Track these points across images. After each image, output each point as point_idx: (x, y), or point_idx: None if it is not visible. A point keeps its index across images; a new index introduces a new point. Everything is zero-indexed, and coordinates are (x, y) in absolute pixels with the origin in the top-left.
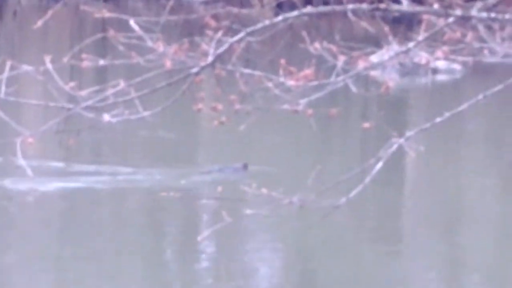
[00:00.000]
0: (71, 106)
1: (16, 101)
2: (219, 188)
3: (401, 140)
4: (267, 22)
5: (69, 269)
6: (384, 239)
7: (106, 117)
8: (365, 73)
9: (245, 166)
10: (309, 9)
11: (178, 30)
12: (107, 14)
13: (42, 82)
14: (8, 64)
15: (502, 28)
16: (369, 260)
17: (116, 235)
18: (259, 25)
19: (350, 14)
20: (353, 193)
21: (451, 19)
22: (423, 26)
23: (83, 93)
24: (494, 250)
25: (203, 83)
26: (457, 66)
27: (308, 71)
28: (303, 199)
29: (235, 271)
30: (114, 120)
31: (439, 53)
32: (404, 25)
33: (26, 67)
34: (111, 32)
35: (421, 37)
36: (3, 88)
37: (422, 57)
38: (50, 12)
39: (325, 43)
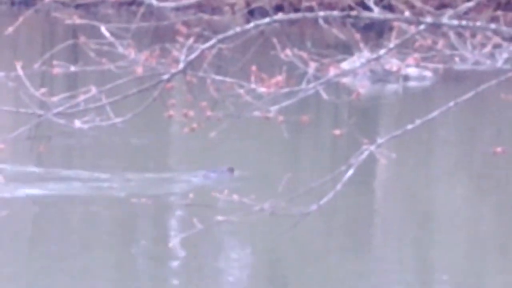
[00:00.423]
0: (42, 112)
1: None
2: (190, 195)
3: (372, 147)
4: (238, 29)
5: (39, 275)
6: (355, 245)
7: (77, 123)
8: (336, 80)
9: (230, 170)
10: (280, 16)
11: (149, 36)
12: (78, 20)
13: (13, 88)
14: None
15: (473, 36)
16: (340, 267)
17: (87, 241)
18: (230, 32)
19: (321, 22)
20: (324, 200)
21: (422, 27)
22: (394, 34)
23: (54, 99)
24: (464, 255)
25: (174, 89)
26: (428, 73)
27: (279, 78)
28: (274, 206)
29: (206, 278)
30: (85, 126)
31: (410, 60)
32: (375, 32)
33: None
34: (82, 39)
35: (392, 44)
36: None
37: (393, 64)
38: (21, 19)
39: (296, 50)
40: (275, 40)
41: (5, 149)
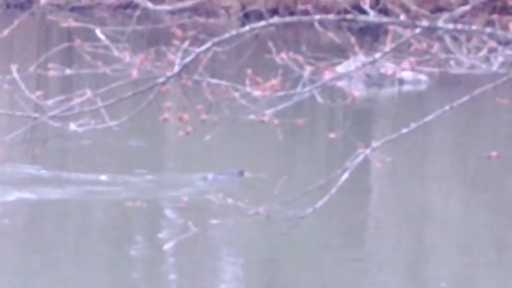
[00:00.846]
0: (37, 115)
1: None
2: (185, 198)
3: (367, 151)
4: (233, 32)
5: (34, 278)
6: (350, 249)
7: (73, 126)
8: (332, 83)
9: (241, 173)
10: (275, 19)
11: (144, 39)
12: (73, 23)
13: (8, 91)
14: None
15: (468, 40)
16: (335, 271)
17: (82, 244)
18: (226, 35)
19: (316, 25)
20: (319, 203)
21: (417, 30)
22: (389, 37)
23: (50, 102)
24: (459, 257)
25: (169, 93)
26: (423, 77)
27: (274, 82)
28: (269, 209)
29: (200, 281)
30: (80, 129)
31: (405, 64)
32: (371, 35)
33: None
34: (77, 42)
35: (387, 48)
36: None
37: (388, 68)
38: (16, 22)
39: (291, 54)
40: (270, 44)
41: (0, 152)
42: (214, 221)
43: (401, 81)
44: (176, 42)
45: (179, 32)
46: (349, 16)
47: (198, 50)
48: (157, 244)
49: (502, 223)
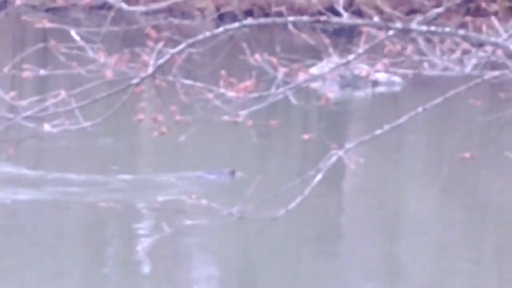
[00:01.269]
0: (11, 116)
1: None
2: (160, 199)
3: (341, 152)
4: (208, 33)
5: (5, 280)
6: (324, 249)
7: (47, 127)
8: (305, 85)
9: (232, 172)
10: (249, 21)
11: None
12: (48, 24)
13: None
14: None
15: (441, 42)
16: (308, 271)
17: (54, 245)
18: (200, 37)
19: (290, 27)
20: (292, 204)
21: (391, 32)
22: (363, 39)
23: (24, 103)
24: (431, 257)
25: (143, 94)
26: (397, 79)
27: (248, 83)
28: (243, 210)
29: (174, 281)
30: (54, 130)
31: (379, 66)
32: (345, 37)
33: None
34: (52, 42)
35: (361, 49)
36: None
37: (362, 69)
38: None
39: (265, 55)
40: (244, 45)
41: None
42: (188, 222)
43: (375, 83)
44: (150, 43)
45: (153, 33)
46: (322, 18)
47: (172, 51)
48: (132, 245)
49: (475, 223)
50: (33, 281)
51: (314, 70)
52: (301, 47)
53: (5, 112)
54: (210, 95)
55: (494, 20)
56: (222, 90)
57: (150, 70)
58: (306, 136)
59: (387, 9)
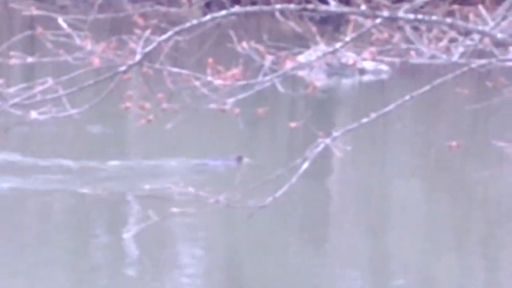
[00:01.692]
0: None
1: None
2: (147, 187)
3: (328, 140)
4: (195, 21)
5: None
6: (310, 238)
7: (34, 114)
8: (293, 73)
9: (239, 159)
10: (237, 8)
11: (106, 28)
12: (35, 11)
13: None
14: None
15: (429, 30)
16: (295, 260)
17: (40, 233)
18: (187, 24)
19: (278, 14)
20: (279, 192)
21: (378, 20)
22: (350, 27)
23: (11, 90)
24: (419, 249)
25: (131, 81)
26: (384, 67)
27: (235, 71)
28: (229, 198)
29: (161, 270)
30: (42, 117)
31: (366, 54)
32: (332, 25)
33: None
34: (39, 30)
35: (348, 37)
36: None
37: (349, 57)
38: None
39: (252, 43)
40: (231, 33)
41: None
42: (174, 210)
43: (362, 71)
44: (137, 31)
45: (140, 21)
46: (310, 6)
47: (159, 39)
48: (118, 233)
49: (462, 212)
50: (20, 269)
51: (301, 58)
52: (288, 35)
53: None
54: (197, 83)
55: (481, 8)
56: (209, 78)
57: (137, 57)
58: (293, 124)
59: None
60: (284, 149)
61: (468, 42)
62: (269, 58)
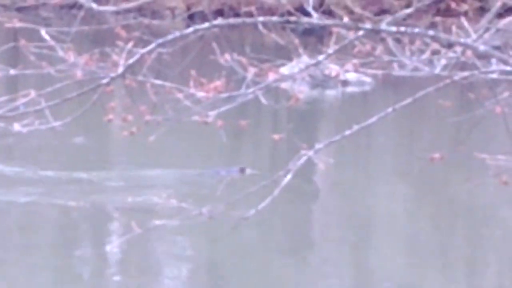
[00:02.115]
0: None
1: None
2: (129, 199)
3: (311, 153)
4: (178, 33)
5: None
6: (294, 250)
7: (17, 126)
8: (275, 85)
9: (242, 170)
10: (219, 21)
11: (89, 40)
12: (18, 24)
13: None
14: None
15: (411, 42)
16: (277, 272)
17: (23, 245)
18: (170, 37)
19: (260, 27)
20: (261, 205)
21: (361, 33)
22: (333, 39)
23: None
24: (402, 260)
25: (113, 93)
26: (367, 79)
27: (218, 83)
28: (212, 210)
29: (143, 282)
30: (24, 130)
31: (349, 66)
32: (316, 37)
33: None
34: (22, 42)
35: (331, 49)
36: None
37: (332, 69)
38: None
39: (235, 55)
40: (214, 45)
41: None
42: (157, 222)
43: (345, 83)
44: (120, 43)
45: (123, 33)
46: (292, 18)
47: (142, 51)
48: (101, 245)
49: (445, 223)
50: (3, 280)
51: (284, 70)
52: (271, 47)
53: None
54: (180, 95)
55: (463, 20)
56: (192, 90)
57: (120, 69)
58: (276, 136)
59: (357, 9)
60: (267, 161)
61: (451, 54)
62: (251, 70)
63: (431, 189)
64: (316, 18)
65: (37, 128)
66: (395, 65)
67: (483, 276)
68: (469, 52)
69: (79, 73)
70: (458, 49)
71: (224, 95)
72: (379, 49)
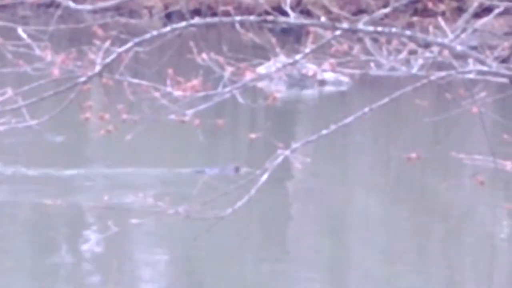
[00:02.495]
0: None
1: None
2: (106, 197)
3: (287, 152)
4: (155, 32)
5: None
6: (270, 249)
7: None
8: (252, 84)
9: (236, 169)
10: (197, 20)
11: (66, 39)
12: None
13: None
14: None
15: (388, 42)
16: (255, 270)
17: (4, 243)
18: (147, 35)
19: (238, 26)
20: (238, 204)
21: (338, 32)
22: (310, 39)
23: None
24: (380, 257)
25: (90, 92)
26: (344, 78)
27: (195, 82)
28: (189, 209)
29: (119, 280)
30: (1, 128)
31: (326, 65)
32: (293, 37)
33: None
34: None
35: (308, 49)
36: None
37: (309, 69)
38: None
39: (212, 54)
40: (192, 44)
41: None
42: (133, 221)
43: (323, 82)
44: (97, 42)
45: (100, 32)
46: (270, 18)
47: (119, 50)
48: (78, 244)
49: (422, 223)
50: None
51: (261, 70)
52: (249, 47)
53: None
54: (157, 94)
55: (441, 20)
56: (169, 89)
57: (97, 68)
58: (253, 135)
59: (334, 9)
60: (243, 160)
61: (428, 54)
62: (229, 70)
63: (408, 188)
64: (293, 18)
65: (14, 126)
66: (372, 64)
67: (459, 274)
68: (446, 52)
69: (56, 72)
70: (435, 49)
71: (201, 94)
72: (356, 48)
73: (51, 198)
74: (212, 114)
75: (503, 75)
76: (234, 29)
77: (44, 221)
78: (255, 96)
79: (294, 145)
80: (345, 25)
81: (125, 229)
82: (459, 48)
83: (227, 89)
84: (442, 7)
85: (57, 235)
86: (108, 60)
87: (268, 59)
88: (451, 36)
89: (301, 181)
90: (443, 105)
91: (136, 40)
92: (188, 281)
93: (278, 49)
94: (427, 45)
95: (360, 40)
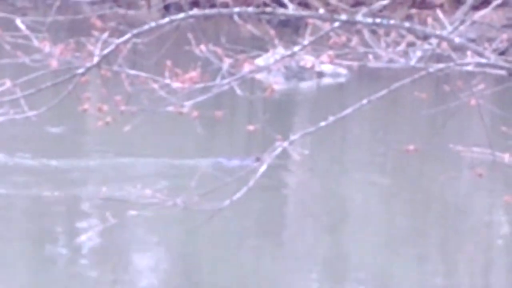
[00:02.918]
0: None
1: None
2: (104, 189)
3: (285, 144)
4: (153, 23)
5: None
6: (268, 243)
7: None
8: (251, 76)
9: (257, 159)
10: (195, 11)
11: (65, 30)
12: None
13: None
14: None
15: (387, 34)
16: (253, 263)
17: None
18: (146, 27)
19: (236, 17)
20: (236, 195)
21: (336, 24)
22: (308, 30)
23: None
24: (378, 251)
25: (89, 83)
26: (342, 70)
27: (193, 73)
28: (187, 201)
29: (118, 272)
30: None
31: (324, 57)
32: (291, 28)
33: None
34: None
35: (306, 41)
36: None
37: (307, 60)
38: None
39: (211, 46)
40: (190, 35)
41: None
42: (132, 212)
43: (321, 74)
44: (96, 33)
45: (99, 23)
46: (268, 9)
47: (117, 41)
48: (76, 235)
49: (420, 215)
50: None
51: (259, 61)
52: (247, 38)
53: None
54: (155, 86)
55: (439, 12)
56: (167, 81)
57: (95, 60)
58: (251, 127)
59: (333, 1)
60: (241, 152)
61: (426, 46)
62: (227, 61)
63: (406, 180)
64: (291, 9)
65: (12, 117)
66: (370, 56)
67: (456, 266)
68: (444, 44)
69: (54, 63)
70: (434, 41)
71: (200, 85)
72: (355, 40)
73: (48, 189)
74: (210, 105)
75: (501, 67)
76: (232, 21)
77: (41, 212)
78: (253, 88)
79: (292, 137)
80: (343, 17)
81: (124, 221)
82: (457, 40)
83: (226, 80)
84: None
85: (55, 226)
86: (106, 51)
87: (266, 50)
88: (449, 28)
89: (299, 173)
90: (441, 97)
91: (135, 31)
92: (186, 273)
93: (276, 41)
94: (425, 37)
95: (358, 32)
